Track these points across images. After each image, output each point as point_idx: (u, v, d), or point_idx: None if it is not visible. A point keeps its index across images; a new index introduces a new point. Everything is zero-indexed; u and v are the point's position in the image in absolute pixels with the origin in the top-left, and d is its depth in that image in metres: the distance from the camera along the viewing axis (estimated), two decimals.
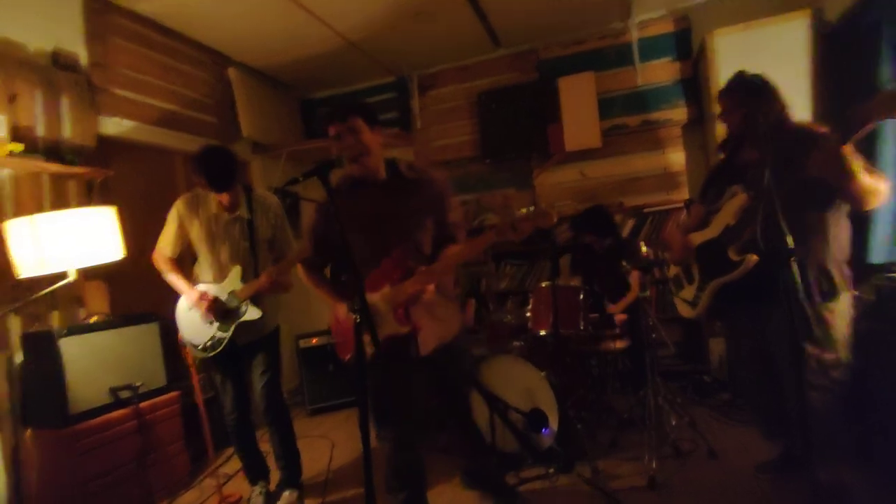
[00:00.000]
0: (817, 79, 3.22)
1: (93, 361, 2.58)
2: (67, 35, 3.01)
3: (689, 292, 2.31)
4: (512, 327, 3.36)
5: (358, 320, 1.61)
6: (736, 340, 2.39)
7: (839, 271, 1.97)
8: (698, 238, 2.24)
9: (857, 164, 1.70)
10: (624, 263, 2.97)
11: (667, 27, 4.20)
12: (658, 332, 3.08)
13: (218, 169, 2.45)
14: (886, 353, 2.11)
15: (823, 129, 1.93)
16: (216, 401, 2.87)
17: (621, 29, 4.28)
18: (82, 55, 3.07)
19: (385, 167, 2.05)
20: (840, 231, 1.99)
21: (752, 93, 2.03)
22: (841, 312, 1.98)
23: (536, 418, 2.69)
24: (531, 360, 2.84)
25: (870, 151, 2.53)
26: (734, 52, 3.40)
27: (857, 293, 2.65)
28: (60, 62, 2.91)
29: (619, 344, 3.13)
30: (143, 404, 2.67)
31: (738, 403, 3.23)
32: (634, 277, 3.24)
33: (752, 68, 2.13)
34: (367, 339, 1.70)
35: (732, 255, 2.03)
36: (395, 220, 1.99)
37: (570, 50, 4.45)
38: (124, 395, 2.61)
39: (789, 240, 1.56)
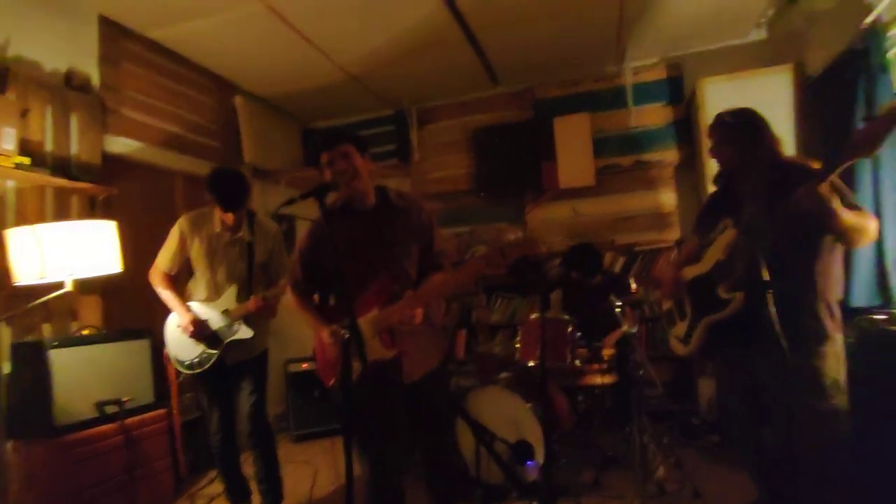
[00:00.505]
0: (800, 125, 3.38)
1: (82, 374, 2.58)
2: (82, 57, 3.12)
3: (681, 329, 2.27)
4: (500, 359, 3.38)
5: (347, 336, 1.64)
6: (730, 373, 2.31)
7: (829, 313, 1.92)
8: (690, 272, 2.22)
9: (837, 201, 1.71)
10: (612, 298, 3.02)
11: (660, 74, 4.38)
12: (646, 369, 3.09)
13: (231, 188, 2.55)
14: (868, 397, 2.11)
15: (815, 165, 1.92)
16: (202, 421, 2.86)
17: (616, 72, 4.45)
18: (94, 76, 3.18)
19: (375, 194, 2.10)
20: (830, 269, 1.95)
21: (741, 128, 2.06)
22: (834, 355, 1.92)
23: (522, 450, 2.68)
24: (518, 391, 2.86)
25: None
26: (723, 99, 3.53)
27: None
28: (73, 82, 3.01)
29: (606, 379, 3.15)
30: (129, 420, 2.65)
31: (727, 445, 3.20)
32: (628, 314, 3.27)
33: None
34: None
35: (722, 293, 2.01)
36: (381, 245, 2.03)
37: (566, 90, 4.61)
38: (110, 409, 2.60)
39: (765, 273, 1.57)
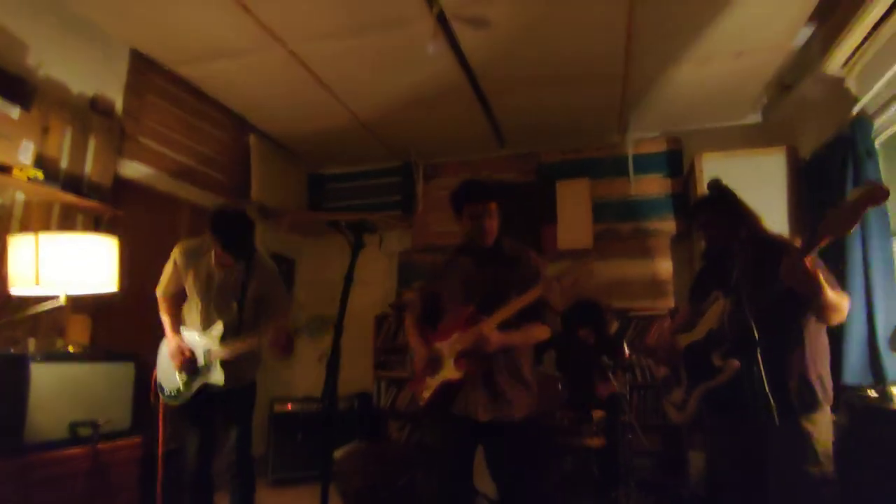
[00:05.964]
0: (793, 205, 3.51)
1: (60, 392, 2.51)
2: (109, 84, 3.26)
3: (677, 395, 2.28)
4: None
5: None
6: (723, 440, 2.27)
7: (820, 383, 1.96)
8: (685, 340, 2.26)
9: (822, 275, 1.76)
10: (604, 360, 3.00)
11: (660, 146, 4.54)
12: (636, 434, 3.03)
13: (236, 235, 2.45)
14: (858, 471, 2.08)
15: (797, 242, 2.02)
16: (175, 455, 2.75)
17: (618, 142, 4.62)
18: (118, 103, 3.31)
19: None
20: (818, 342, 2.00)
21: (729, 205, 2.15)
22: (824, 424, 1.95)
23: None
24: None
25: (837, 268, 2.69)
26: (720, 175, 3.62)
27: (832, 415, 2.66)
28: (97, 107, 3.14)
29: (594, 441, 3.07)
30: (102, 445, 2.56)
31: None
32: (618, 376, 3.23)
33: (735, 190, 2.21)
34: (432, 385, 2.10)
35: (716, 361, 2.04)
36: (483, 286, 2.15)
37: (569, 156, 4.75)
38: (84, 431, 2.52)
39: (755, 336, 1.59)
